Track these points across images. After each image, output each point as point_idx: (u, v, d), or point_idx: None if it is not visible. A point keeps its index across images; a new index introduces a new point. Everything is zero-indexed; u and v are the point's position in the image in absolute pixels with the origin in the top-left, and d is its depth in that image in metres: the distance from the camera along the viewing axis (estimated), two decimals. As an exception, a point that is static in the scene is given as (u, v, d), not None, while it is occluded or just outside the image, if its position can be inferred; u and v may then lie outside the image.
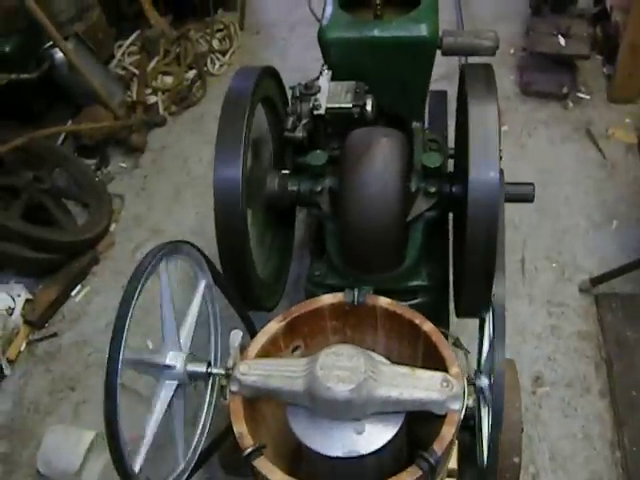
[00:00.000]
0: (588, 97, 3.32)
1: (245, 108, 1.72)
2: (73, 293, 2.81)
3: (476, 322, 1.95)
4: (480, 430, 1.88)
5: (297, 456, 1.52)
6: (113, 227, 3.03)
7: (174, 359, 1.37)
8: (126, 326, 1.21)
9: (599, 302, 2.54)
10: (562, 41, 3.14)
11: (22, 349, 2.63)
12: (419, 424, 1.42)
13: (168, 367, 1.36)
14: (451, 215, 2.10)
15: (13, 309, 2.65)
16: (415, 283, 1.93)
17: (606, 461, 2.18)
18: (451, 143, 2.68)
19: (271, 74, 2.00)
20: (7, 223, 2.57)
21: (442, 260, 2.10)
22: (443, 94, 2.81)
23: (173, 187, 3.20)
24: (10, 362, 2.58)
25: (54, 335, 2.67)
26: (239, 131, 1.69)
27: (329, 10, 2.03)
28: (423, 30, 1.92)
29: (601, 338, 2.46)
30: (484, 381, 1.51)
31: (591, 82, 3.39)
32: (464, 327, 2.08)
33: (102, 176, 3.22)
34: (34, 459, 2.26)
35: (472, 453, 1.98)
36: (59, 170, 3.04)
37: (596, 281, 2.55)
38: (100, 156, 3.27)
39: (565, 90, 3.26)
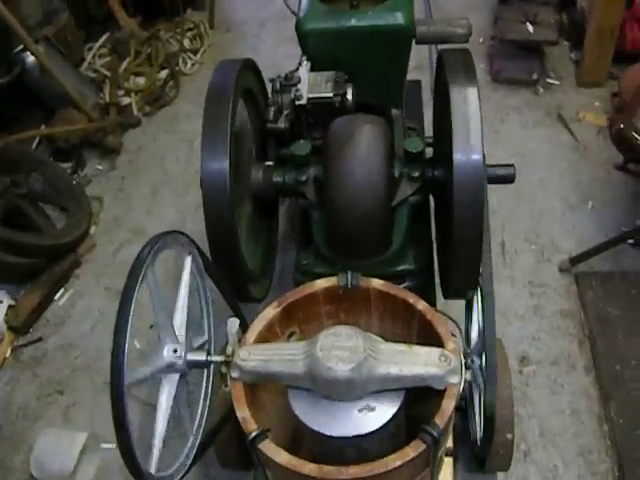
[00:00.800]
0: (557, 82, 3.38)
1: (228, 101, 1.73)
2: (56, 297, 2.79)
3: (459, 304, 2.00)
4: (473, 408, 1.92)
5: (296, 443, 1.54)
6: (93, 229, 3.01)
7: (172, 353, 1.37)
8: (126, 344, 1.22)
9: (579, 281, 2.60)
10: (530, 28, 3.20)
11: (7, 355, 2.60)
12: (414, 406, 1.44)
13: (170, 364, 1.36)
14: (432, 198, 2.15)
15: (-4, 316, 2.63)
16: (402, 267, 1.95)
17: (594, 435, 2.22)
18: (427, 132, 2.75)
19: (251, 67, 2.02)
20: (-15, 229, 2.55)
21: (426, 243, 2.13)
22: (417, 84, 2.85)
23: (151, 187, 3.19)
24: (-4, 369, 2.57)
25: (39, 340, 2.65)
26: (224, 124, 1.71)
27: (305, 2, 2.05)
28: (399, 18, 1.95)
29: (583, 316, 2.51)
30: (475, 360, 1.55)
31: (559, 68, 3.46)
32: (447, 309, 2.10)
33: (79, 179, 3.20)
34: (27, 464, 2.25)
35: (464, 434, 2.02)
36: (35, 174, 2.99)
37: (575, 260, 2.60)
38: (76, 159, 3.25)
39: (535, 76, 3.32)
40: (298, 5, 2.08)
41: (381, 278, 1.90)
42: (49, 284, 2.76)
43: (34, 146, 3.20)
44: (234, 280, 1.84)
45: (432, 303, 2.07)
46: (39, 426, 2.40)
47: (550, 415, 2.28)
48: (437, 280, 2.07)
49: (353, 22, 1.96)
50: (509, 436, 1.92)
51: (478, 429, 1.87)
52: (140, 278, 1.30)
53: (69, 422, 2.41)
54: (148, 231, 2.98)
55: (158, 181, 3.21)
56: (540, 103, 3.30)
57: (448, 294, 1.94)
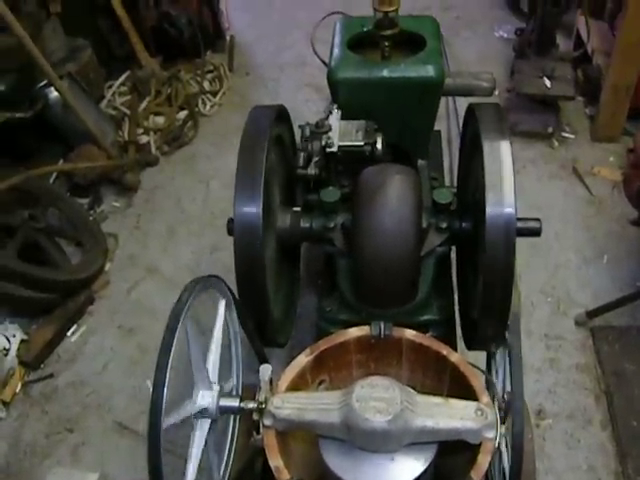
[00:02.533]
0: (572, 136, 3.42)
1: (263, 148, 1.75)
2: (69, 333, 2.76)
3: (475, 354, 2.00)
4: (494, 467, 1.89)
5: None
6: (108, 266, 3.01)
7: (206, 399, 1.36)
8: (164, 393, 1.20)
9: (595, 335, 2.59)
10: (548, 83, 3.25)
11: (17, 390, 2.57)
12: (441, 457, 1.43)
13: (203, 409, 1.35)
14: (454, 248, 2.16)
15: (8, 350, 2.60)
16: (427, 317, 1.95)
17: (611, 492, 2.20)
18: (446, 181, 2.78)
19: (282, 112, 2.04)
20: (3, 262, 2.54)
21: (448, 293, 2.13)
22: (437, 133, 2.88)
23: (167, 226, 3.20)
24: (5, 404, 2.53)
25: (50, 376, 2.63)
26: (258, 171, 1.72)
27: (337, 51, 2.09)
28: (430, 71, 1.98)
29: (599, 370, 2.50)
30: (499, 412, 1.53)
31: (574, 122, 3.50)
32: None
33: (95, 215, 3.21)
34: (34, 503, 2.21)
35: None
36: (53, 209, 3.01)
37: (592, 314, 2.60)
38: (93, 195, 3.26)
39: (550, 130, 3.36)
40: (330, 55, 2.11)
41: (405, 327, 1.91)
42: (62, 320, 2.75)
43: (52, 180, 3.21)
44: (260, 324, 1.83)
45: (454, 353, 2.07)
46: (47, 464, 2.36)
47: (567, 470, 2.26)
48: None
49: (385, 73, 1.99)
50: (530, 492, 1.89)
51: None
52: (181, 321, 1.30)
53: (78, 461, 2.37)
54: (163, 270, 2.99)
55: (174, 220, 3.22)
56: (555, 156, 3.34)
57: (471, 345, 1.93)
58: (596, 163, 3.27)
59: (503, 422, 1.38)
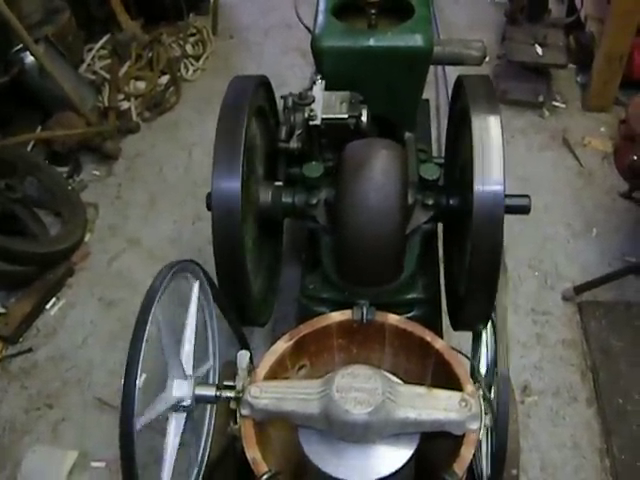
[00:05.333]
0: (564, 106, 3.35)
1: (243, 121, 1.68)
2: (48, 306, 2.70)
3: (462, 334, 1.96)
4: (479, 444, 1.87)
5: (301, 478, 1.48)
6: (88, 237, 2.93)
7: (182, 389, 1.31)
8: (137, 386, 1.14)
9: (582, 310, 2.56)
10: (539, 50, 3.17)
11: (-4, 365, 2.53)
12: (428, 444, 1.40)
13: (179, 401, 1.30)
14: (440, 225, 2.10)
15: (-15, 324, 2.55)
16: (412, 296, 1.91)
17: (596, 469, 2.19)
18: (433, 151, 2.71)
19: (263, 83, 1.96)
20: (-21, 235, 2.46)
21: (434, 271, 2.09)
22: (425, 102, 2.81)
23: (148, 195, 3.12)
24: (-17, 380, 2.49)
25: (29, 350, 2.57)
26: (237, 145, 1.65)
27: (321, 18, 1.99)
28: (419, 40, 1.90)
29: (586, 346, 2.48)
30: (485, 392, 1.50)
31: (565, 91, 3.43)
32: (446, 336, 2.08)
33: (75, 184, 3.12)
34: (13, 480, 2.17)
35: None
36: (30, 178, 2.93)
37: (580, 289, 2.56)
38: (72, 164, 3.17)
39: (541, 99, 3.29)
40: (313, 21, 2.03)
41: (389, 306, 1.86)
42: (41, 293, 2.68)
43: (29, 148, 3.11)
44: (240, 304, 1.78)
45: (439, 333, 2.03)
46: (27, 441, 2.32)
47: (551, 448, 2.24)
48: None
49: (372, 42, 1.90)
50: (514, 472, 1.87)
51: (485, 465, 1.82)
52: (152, 312, 1.23)
53: (58, 438, 2.33)
54: (144, 241, 2.92)
55: (156, 189, 3.14)
56: (545, 126, 3.27)
57: (458, 326, 1.89)
58: (587, 133, 3.21)
59: (487, 412, 1.34)
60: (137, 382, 1.13)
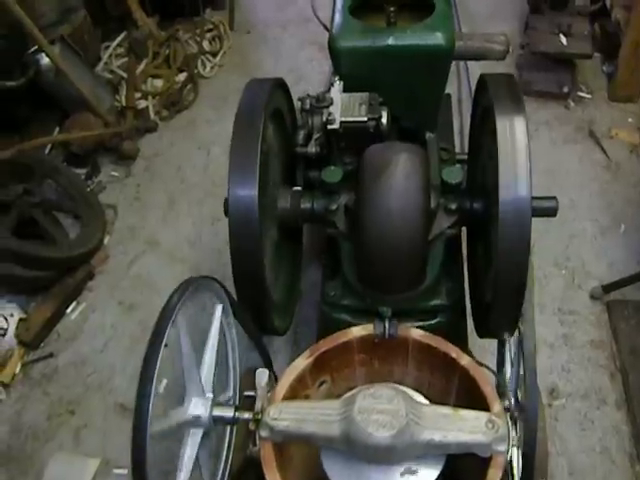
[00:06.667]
0: (589, 96, 3.26)
1: (259, 125, 1.65)
2: (68, 310, 2.69)
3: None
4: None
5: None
6: (107, 240, 2.91)
7: (199, 407, 1.28)
8: (152, 394, 1.11)
9: (611, 309, 2.49)
10: (564, 40, 3.08)
11: (17, 371, 2.52)
12: (453, 461, 1.35)
13: (195, 418, 1.27)
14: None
15: (6, 330, 2.54)
16: (435, 302, 1.86)
17: (625, 475, 2.13)
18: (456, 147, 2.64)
19: (280, 86, 1.92)
20: (-1, 241, 2.45)
21: (458, 277, 2.03)
22: (447, 97, 2.74)
23: (167, 196, 3.09)
24: (5, 386, 2.47)
25: (50, 356, 2.56)
26: (253, 151, 1.62)
27: (338, 17, 1.93)
28: (440, 38, 1.83)
29: (614, 347, 2.41)
30: (511, 401, 1.45)
31: (591, 81, 3.33)
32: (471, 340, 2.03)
33: (93, 186, 3.10)
34: (36, 488, 2.17)
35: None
36: (49, 181, 2.91)
37: (608, 288, 2.50)
38: (90, 165, 3.14)
39: (566, 89, 3.20)
40: (330, 20, 1.97)
41: (412, 313, 1.82)
42: (61, 297, 2.67)
43: (47, 151, 3.10)
44: (258, 312, 1.75)
45: (463, 340, 1.99)
46: (49, 448, 2.31)
47: (579, 452, 2.19)
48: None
49: (390, 41, 1.84)
50: (542, 481, 1.83)
51: (516, 474, 1.78)
52: (170, 324, 1.20)
53: (80, 445, 2.32)
54: (163, 243, 2.90)
55: (174, 189, 3.11)
56: (571, 118, 3.19)
57: (483, 333, 1.84)
58: (614, 125, 3.11)
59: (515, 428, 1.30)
60: (151, 397, 1.10)
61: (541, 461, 1.82)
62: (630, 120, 3.14)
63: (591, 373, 2.37)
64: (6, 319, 2.56)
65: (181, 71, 3.49)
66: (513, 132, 1.55)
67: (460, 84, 3.24)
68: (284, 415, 1.26)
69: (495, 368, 1.75)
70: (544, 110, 3.22)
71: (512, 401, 1.41)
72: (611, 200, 2.85)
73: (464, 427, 1.21)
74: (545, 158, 3.02)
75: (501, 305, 1.64)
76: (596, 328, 2.47)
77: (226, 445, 1.44)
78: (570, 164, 3.01)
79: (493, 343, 1.78)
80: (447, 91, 2.77)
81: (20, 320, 2.59)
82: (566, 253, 2.69)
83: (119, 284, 2.78)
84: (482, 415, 1.23)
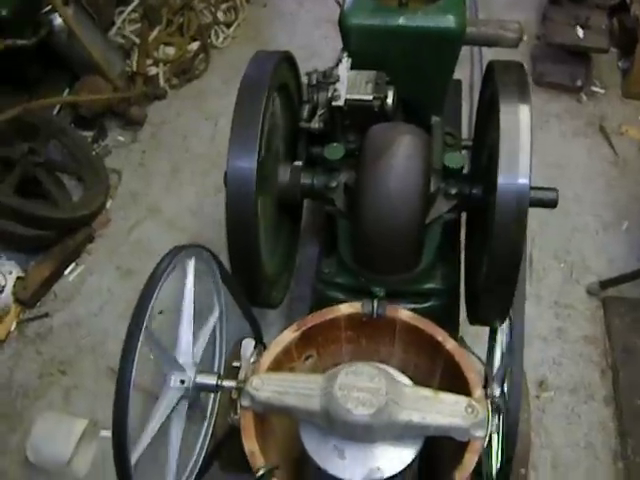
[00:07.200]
0: (602, 91, 3.23)
1: (262, 98, 1.64)
2: (66, 272, 2.71)
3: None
4: (490, 440, 1.83)
5: (303, 471, 1.46)
6: (109, 204, 2.92)
7: (183, 373, 1.28)
8: (140, 339, 1.12)
9: (607, 306, 2.49)
10: (580, 33, 3.04)
11: (12, 329, 2.54)
12: (434, 442, 1.36)
13: (179, 385, 1.28)
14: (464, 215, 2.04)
15: (4, 287, 2.55)
16: (429, 286, 1.86)
17: (608, 471, 2.15)
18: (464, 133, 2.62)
19: (287, 59, 1.90)
20: (0, 198, 2.45)
21: (454, 262, 2.03)
22: (457, 83, 2.71)
23: (172, 164, 3.09)
24: (-1, 342, 2.50)
25: (46, 315, 2.58)
26: (255, 123, 1.61)
27: (352, -6, 1.92)
28: (450, 21, 1.81)
29: (608, 344, 2.41)
30: (496, 390, 1.45)
31: (605, 76, 3.30)
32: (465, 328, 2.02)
33: (99, 149, 3.10)
34: (23, 445, 2.18)
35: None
36: (54, 142, 2.91)
37: (606, 284, 2.49)
38: (97, 128, 3.14)
39: (579, 83, 3.17)
40: (344, -4, 1.95)
41: (405, 295, 1.82)
42: (60, 258, 2.68)
43: (55, 112, 3.09)
44: (251, 283, 1.75)
45: (455, 325, 1.99)
46: (38, 406, 2.34)
47: (564, 446, 2.20)
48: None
49: (401, 21, 1.82)
50: (522, 471, 1.83)
51: (494, 463, 1.79)
52: (157, 292, 1.21)
53: (69, 405, 2.35)
54: (165, 210, 2.91)
55: (179, 158, 3.10)
56: (582, 112, 3.16)
57: (474, 320, 1.84)
58: (625, 121, 3.09)
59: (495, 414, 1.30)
60: (135, 356, 1.15)
61: (523, 452, 1.83)
62: (641, 118, 3.12)
63: (582, 368, 2.37)
64: (4, 276, 2.57)
65: (194, 40, 3.47)
66: (516, 119, 1.54)
67: (473, 71, 3.21)
68: (266, 386, 1.27)
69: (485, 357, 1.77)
70: (556, 102, 3.19)
71: (496, 390, 1.42)
72: (616, 196, 2.84)
73: (443, 410, 1.22)
74: (554, 150, 3.00)
75: (492, 292, 1.64)
76: (591, 324, 2.47)
77: (209, 413, 1.45)
78: (578, 158, 2.99)
79: (487, 332, 1.79)
80: (459, 77, 2.77)
81: (18, 278, 2.60)
82: (567, 247, 2.69)
83: (118, 249, 2.79)
84: (462, 399, 1.24)
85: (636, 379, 2.29)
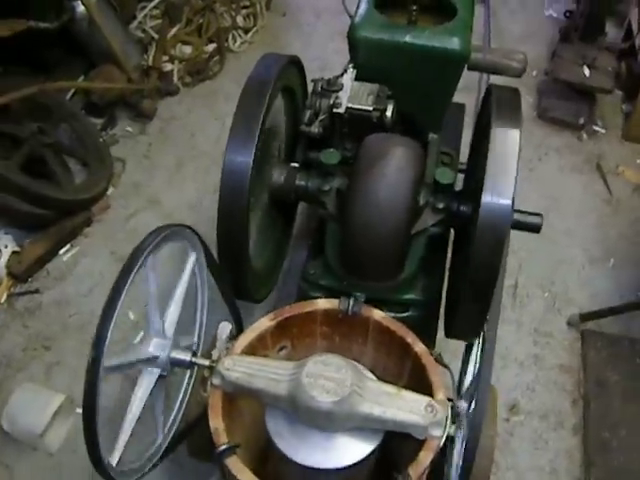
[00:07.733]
0: (603, 131, 3.30)
1: (265, 96, 1.70)
2: (61, 252, 2.76)
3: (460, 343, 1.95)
4: (451, 453, 1.87)
5: (267, 454, 1.50)
6: (111, 191, 2.98)
7: (158, 348, 1.34)
8: (111, 326, 1.18)
9: (585, 338, 2.53)
10: (586, 72, 3.11)
11: (2, 301, 2.59)
12: (394, 440, 1.40)
13: (152, 357, 1.33)
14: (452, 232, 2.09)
15: (-1, 259, 2.61)
16: (409, 296, 1.90)
17: (570, 499, 2.18)
18: (463, 157, 2.68)
19: (295, 64, 1.97)
20: (6, 174, 2.51)
21: (437, 276, 2.07)
22: (461, 107, 2.78)
23: (176, 159, 3.15)
24: (-12, 312, 2.55)
25: (36, 291, 2.63)
26: (255, 121, 1.67)
27: (363, 8, 1.98)
28: (455, 43, 1.88)
29: (582, 375, 2.45)
30: (462, 405, 1.50)
31: (608, 117, 3.37)
32: (446, 345, 2.06)
33: (107, 137, 3.16)
34: (-1, 414, 2.23)
35: (439, 473, 1.97)
36: (64, 125, 2.98)
37: (586, 317, 2.54)
38: (108, 117, 3.22)
39: (582, 121, 3.24)
40: (355, 10, 2.02)
41: (386, 303, 1.87)
42: (56, 237, 2.74)
43: (68, 96, 3.16)
44: (236, 277, 1.80)
45: (432, 337, 2.03)
46: (19, 378, 2.38)
47: (529, 470, 2.24)
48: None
49: (408, 38, 1.89)
50: (483, 486, 1.87)
51: (454, 474, 1.82)
52: (140, 262, 1.26)
53: (50, 380, 2.39)
54: (164, 203, 2.96)
55: (185, 154, 3.17)
56: (581, 149, 3.22)
57: (449, 333, 1.89)
58: (622, 162, 3.15)
59: (456, 423, 1.34)
60: (111, 325, 1.18)
61: (484, 469, 1.86)
62: (639, 161, 3.18)
63: (554, 396, 2.41)
64: (0, 249, 2.62)
65: (211, 42, 3.55)
66: (505, 140, 1.59)
67: (479, 97, 3.28)
68: (237, 367, 1.32)
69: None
70: (557, 137, 3.26)
71: (463, 404, 1.46)
72: (606, 233, 2.89)
73: (404, 406, 1.26)
74: (550, 183, 3.07)
75: (467, 308, 1.68)
76: (568, 354, 2.52)
77: (182, 391, 1.49)
78: (573, 192, 3.05)
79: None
80: (464, 101, 2.84)
81: (14, 252, 2.66)
82: (552, 277, 2.74)
83: (114, 235, 2.84)
84: (423, 399, 1.28)
85: (605, 412, 2.33)
